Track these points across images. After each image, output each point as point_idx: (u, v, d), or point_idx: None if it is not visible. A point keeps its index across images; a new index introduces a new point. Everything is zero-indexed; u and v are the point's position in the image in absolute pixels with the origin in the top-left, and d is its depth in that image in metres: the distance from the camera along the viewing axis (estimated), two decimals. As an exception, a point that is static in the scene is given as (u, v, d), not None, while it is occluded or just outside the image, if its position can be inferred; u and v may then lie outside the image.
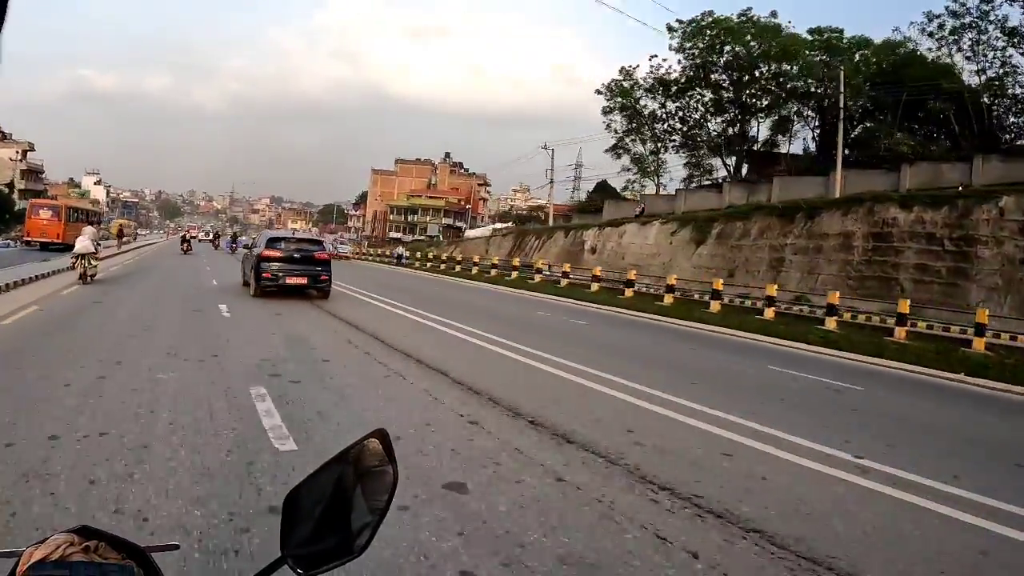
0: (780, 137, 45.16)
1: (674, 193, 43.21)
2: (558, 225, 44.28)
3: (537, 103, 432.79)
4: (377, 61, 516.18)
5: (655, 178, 46.73)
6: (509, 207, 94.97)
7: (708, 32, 42.49)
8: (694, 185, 44.83)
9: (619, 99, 46.09)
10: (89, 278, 14.92)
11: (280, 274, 14.21)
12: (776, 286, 22.21)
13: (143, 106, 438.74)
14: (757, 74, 43.01)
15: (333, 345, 8.76)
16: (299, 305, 13.38)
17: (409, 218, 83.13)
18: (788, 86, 42.26)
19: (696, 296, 25.32)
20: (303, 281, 14.44)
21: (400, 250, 40.32)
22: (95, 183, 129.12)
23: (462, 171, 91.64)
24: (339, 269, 29.24)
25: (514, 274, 32.24)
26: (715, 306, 20.31)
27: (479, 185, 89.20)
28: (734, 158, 45.02)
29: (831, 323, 16.73)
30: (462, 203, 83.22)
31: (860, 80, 37.21)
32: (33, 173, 66.60)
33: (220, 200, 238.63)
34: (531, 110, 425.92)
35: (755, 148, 45.14)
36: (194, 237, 46.88)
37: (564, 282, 28.78)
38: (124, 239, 36.47)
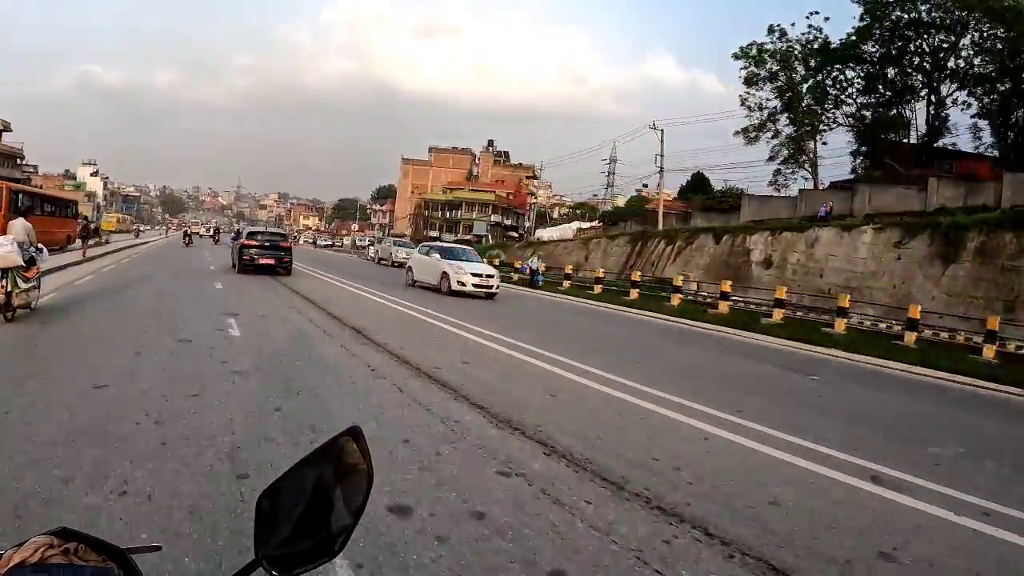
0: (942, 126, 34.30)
1: (847, 188, 31.90)
2: (700, 227, 32.78)
3: (547, 101, 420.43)
4: (386, 58, 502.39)
5: (812, 168, 35.33)
6: (531, 203, 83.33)
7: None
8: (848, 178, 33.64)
9: (769, 66, 34.71)
10: (16, 310, 7.92)
11: (255, 256, 18.72)
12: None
13: (149, 102, 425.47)
14: (912, 47, 32.31)
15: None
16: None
17: (449, 214, 71.63)
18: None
19: (959, 336, 16.41)
20: (271, 262, 18.79)
21: (533, 262, 27.34)
22: (92, 174, 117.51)
23: (507, 162, 79.94)
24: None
25: (633, 292, 22.24)
26: (988, 351, 13.52)
27: (527, 178, 77.59)
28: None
29: None
30: (510, 196, 71.71)
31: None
32: (9, 158, 54.95)
33: (226, 196, 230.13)
34: (541, 108, 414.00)
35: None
36: (195, 232, 50.48)
37: (723, 306, 19.04)
38: (92, 241, 25.22)
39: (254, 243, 18.95)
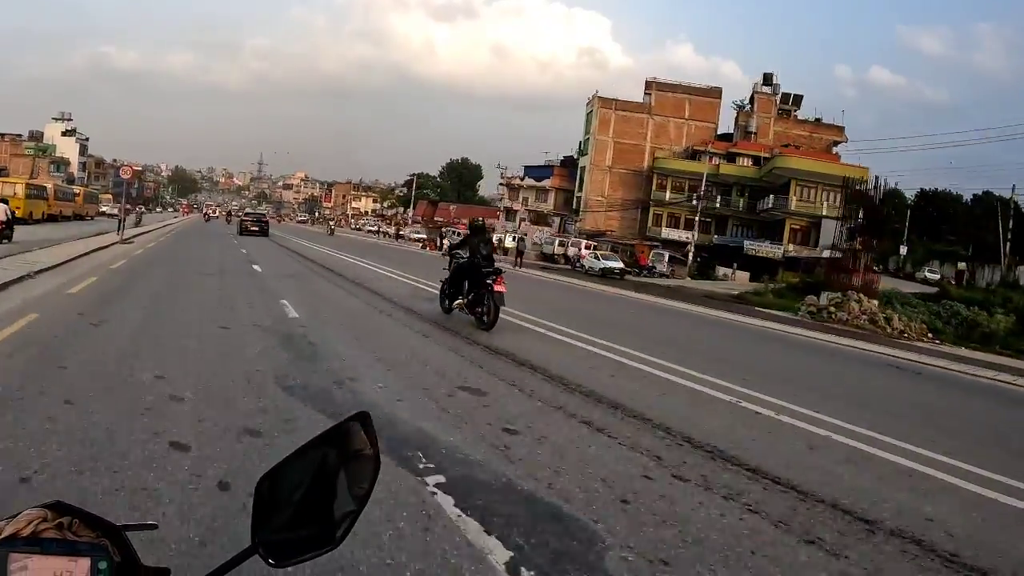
0: None
1: None
2: None
3: (564, 87, 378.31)
4: (403, 41, 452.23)
5: None
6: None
7: None
8: None
9: None
10: None
11: (248, 226, 29.92)
12: None
13: (164, 83, 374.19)
14: None
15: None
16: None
17: (721, 199, 33.46)
18: None
19: None
20: (256, 228, 29.49)
21: None
22: (64, 134, 76.93)
23: (797, 110, 41.52)
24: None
25: None
26: None
27: (835, 143, 39.61)
28: None
29: None
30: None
31: None
32: None
33: (242, 177, 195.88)
34: (557, 95, 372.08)
35: None
36: (212, 214, 60.38)
37: None
38: None
39: (248, 219, 31.79)
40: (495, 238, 41.45)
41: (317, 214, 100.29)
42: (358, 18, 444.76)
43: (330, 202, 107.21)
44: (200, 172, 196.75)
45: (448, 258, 8.92)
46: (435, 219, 61.07)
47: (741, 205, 35.82)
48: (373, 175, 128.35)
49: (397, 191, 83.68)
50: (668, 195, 36.78)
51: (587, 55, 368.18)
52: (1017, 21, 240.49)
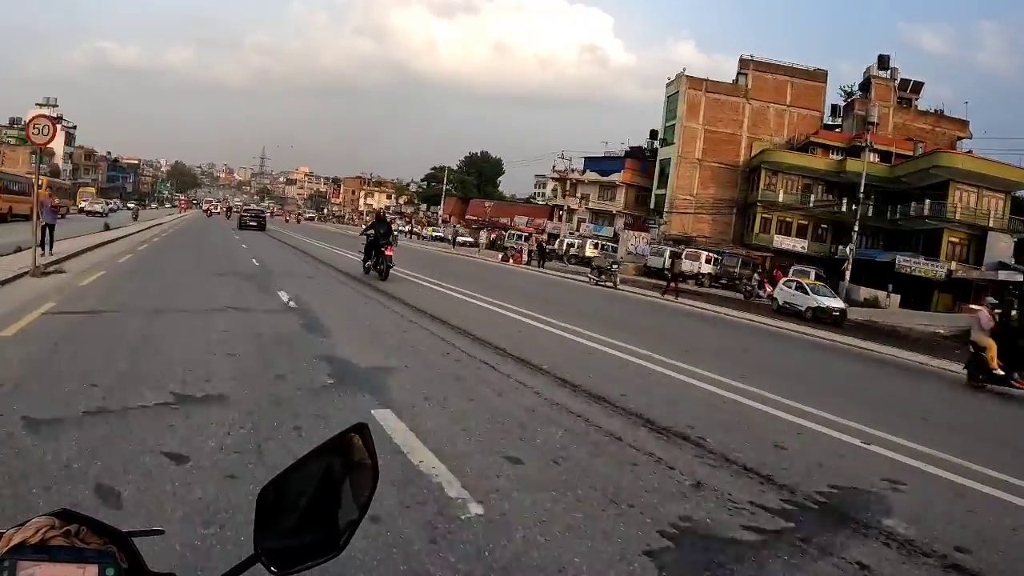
0: None
1: None
2: None
3: (566, 84, 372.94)
4: (403, 37, 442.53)
5: None
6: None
7: None
8: None
9: None
10: None
11: (247, 220, 32.58)
12: None
13: (164, 79, 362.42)
14: None
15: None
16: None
17: (859, 197, 27.05)
18: None
19: None
20: (255, 224, 32.03)
21: None
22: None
23: (917, 98, 35.11)
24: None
25: None
26: None
27: (958, 139, 33.45)
28: None
29: None
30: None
31: None
32: None
33: (243, 172, 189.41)
34: (558, 91, 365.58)
35: None
36: (213, 210, 64.97)
37: None
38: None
39: (248, 215, 34.65)
40: (556, 240, 34.81)
41: (325, 211, 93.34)
42: (359, 14, 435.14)
43: (339, 198, 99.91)
44: (200, 167, 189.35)
45: (364, 237, 13.12)
46: (466, 217, 54.46)
47: (870, 210, 29.50)
48: (378, 170, 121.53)
49: (413, 186, 76.70)
50: (782, 195, 30.45)
51: (589, 52, 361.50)
52: (1018, 19, 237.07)
